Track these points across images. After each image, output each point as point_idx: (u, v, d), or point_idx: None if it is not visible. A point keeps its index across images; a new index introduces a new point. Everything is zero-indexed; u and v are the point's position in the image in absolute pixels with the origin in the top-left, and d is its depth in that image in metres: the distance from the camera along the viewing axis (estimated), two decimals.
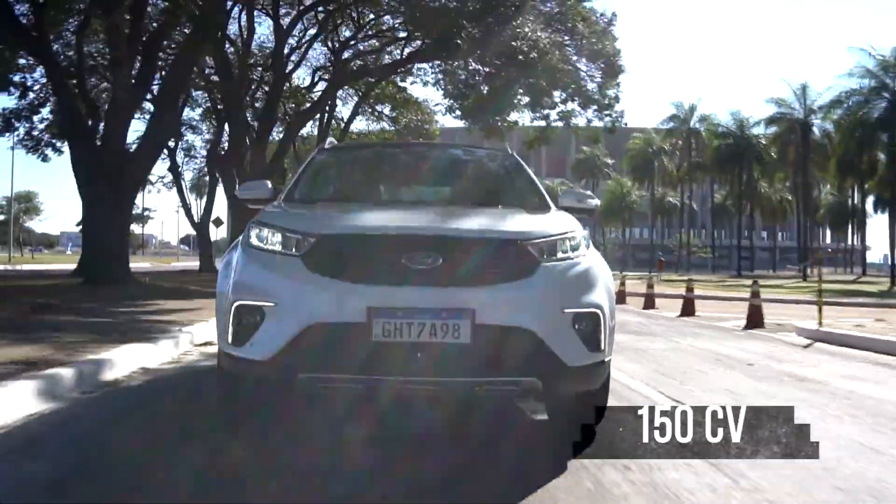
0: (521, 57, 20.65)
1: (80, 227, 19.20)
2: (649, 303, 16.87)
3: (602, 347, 3.47)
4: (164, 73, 19.48)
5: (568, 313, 3.35)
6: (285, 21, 24.21)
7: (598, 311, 3.45)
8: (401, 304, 3.17)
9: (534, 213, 4.07)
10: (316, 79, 30.42)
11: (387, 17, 24.90)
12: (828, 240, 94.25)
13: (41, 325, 7.44)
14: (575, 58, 24.63)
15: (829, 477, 3.23)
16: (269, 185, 4.45)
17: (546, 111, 25.37)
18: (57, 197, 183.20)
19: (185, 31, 19.42)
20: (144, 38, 16.45)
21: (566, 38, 23.82)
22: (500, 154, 5.52)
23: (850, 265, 78.06)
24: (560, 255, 3.49)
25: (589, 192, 4.64)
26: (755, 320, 11.79)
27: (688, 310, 14.38)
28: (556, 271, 3.42)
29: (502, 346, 3.24)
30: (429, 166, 5.60)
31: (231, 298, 3.40)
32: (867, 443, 3.99)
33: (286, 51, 25.06)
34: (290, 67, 27.00)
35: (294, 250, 3.37)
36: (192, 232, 43.79)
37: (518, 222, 3.74)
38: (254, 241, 3.54)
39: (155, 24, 18.23)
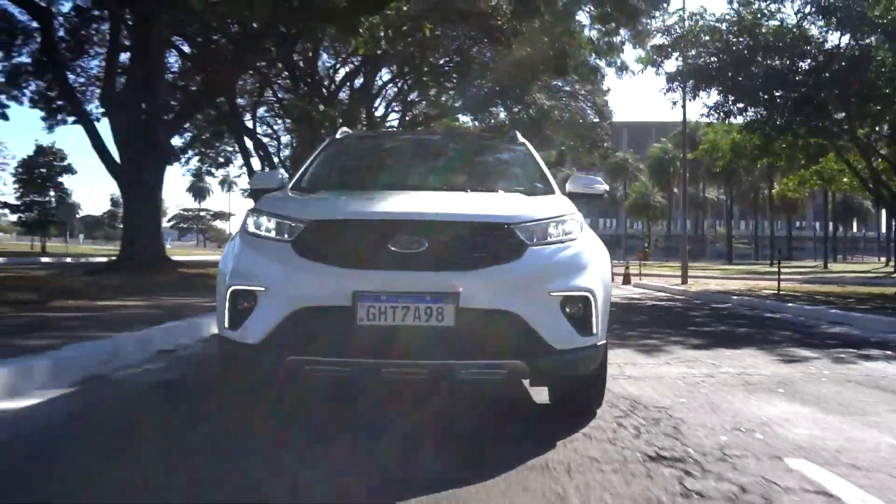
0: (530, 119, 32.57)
1: None
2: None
3: (594, 331, 3.42)
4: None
5: (556, 296, 3.31)
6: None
7: (589, 294, 3.41)
8: (385, 287, 3.19)
9: (531, 197, 4.02)
10: (389, 110, 41.73)
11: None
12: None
13: None
14: (575, 104, 35.98)
15: None
16: (280, 174, 4.54)
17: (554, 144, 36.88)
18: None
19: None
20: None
21: (566, 88, 35.08)
22: (510, 140, 5.53)
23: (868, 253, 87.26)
24: (550, 238, 3.46)
25: (598, 178, 4.61)
26: (627, 279, 23.76)
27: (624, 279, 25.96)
28: (544, 254, 3.39)
29: (486, 329, 3.22)
30: (435, 153, 5.67)
31: (227, 283, 3.47)
32: None
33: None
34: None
35: (286, 236, 3.42)
36: None
37: (509, 206, 3.70)
38: (250, 227, 3.59)
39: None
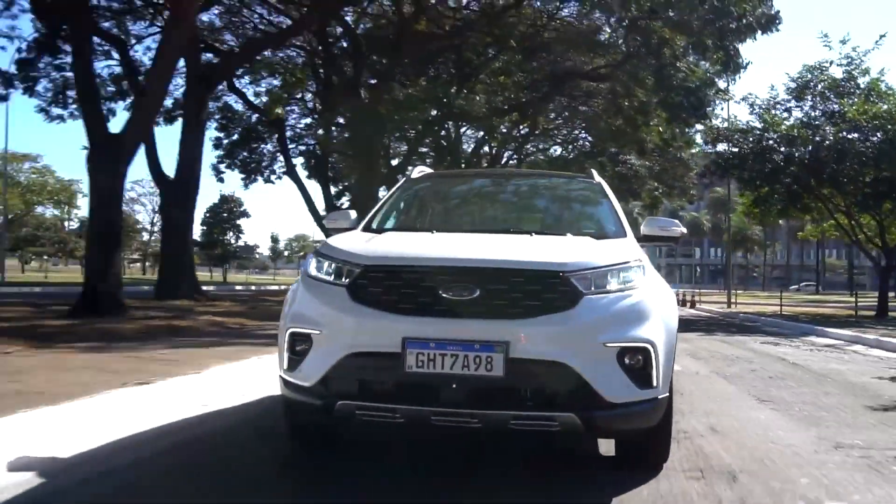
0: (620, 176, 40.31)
1: None
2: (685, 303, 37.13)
3: (654, 384, 3.29)
4: None
5: (612, 347, 3.22)
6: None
7: (648, 345, 3.28)
8: (434, 334, 3.17)
9: (597, 242, 3.91)
10: (506, 158, 50.11)
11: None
12: None
13: None
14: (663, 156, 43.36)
15: None
16: (353, 214, 4.64)
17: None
18: None
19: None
20: None
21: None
22: (585, 181, 5.47)
23: None
24: (610, 286, 3.37)
25: (675, 221, 4.56)
26: (693, 304, 31.64)
27: (690, 304, 33.46)
28: (600, 304, 3.30)
29: (537, 380, 3.19)
30: (506, 195, 5.70)
31: (286, 325, 3.54)
32: None
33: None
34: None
35: (343, 279, 3.44)
36: None
37: (569, 252, 3.56)
38: (311, 270, 3.64)
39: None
